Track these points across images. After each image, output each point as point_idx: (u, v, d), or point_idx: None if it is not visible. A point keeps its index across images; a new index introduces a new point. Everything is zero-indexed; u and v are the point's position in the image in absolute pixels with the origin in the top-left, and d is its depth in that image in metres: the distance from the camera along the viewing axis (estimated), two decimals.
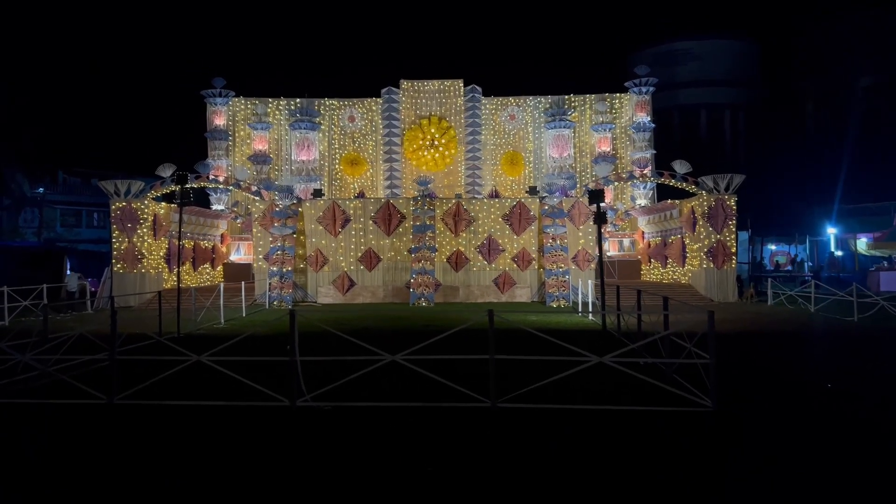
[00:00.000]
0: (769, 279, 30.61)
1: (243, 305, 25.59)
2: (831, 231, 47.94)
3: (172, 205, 33.29)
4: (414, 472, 6.65)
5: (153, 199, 32.80)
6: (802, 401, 9.73)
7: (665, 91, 65.28)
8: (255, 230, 32.60)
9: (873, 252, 43.70)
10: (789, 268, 47.13)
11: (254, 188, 35.79)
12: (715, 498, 5.94)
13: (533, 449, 7.38)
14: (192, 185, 34.93)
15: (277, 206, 31.29)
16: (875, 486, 6.16)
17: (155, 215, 32.09)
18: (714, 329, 8.80)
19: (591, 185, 37.13)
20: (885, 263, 39.55)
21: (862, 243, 45.25)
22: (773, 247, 51.85)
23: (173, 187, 34.07)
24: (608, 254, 39.88)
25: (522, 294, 32.36)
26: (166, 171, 32.72)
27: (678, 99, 70.81)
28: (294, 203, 31.65)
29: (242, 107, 44.52)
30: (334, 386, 9.52)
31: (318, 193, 33.68)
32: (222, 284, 24.08)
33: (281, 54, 69.89)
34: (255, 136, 43.76)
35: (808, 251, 47.46)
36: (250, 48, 68.55)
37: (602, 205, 21.38)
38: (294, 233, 31.05)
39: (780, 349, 15.89)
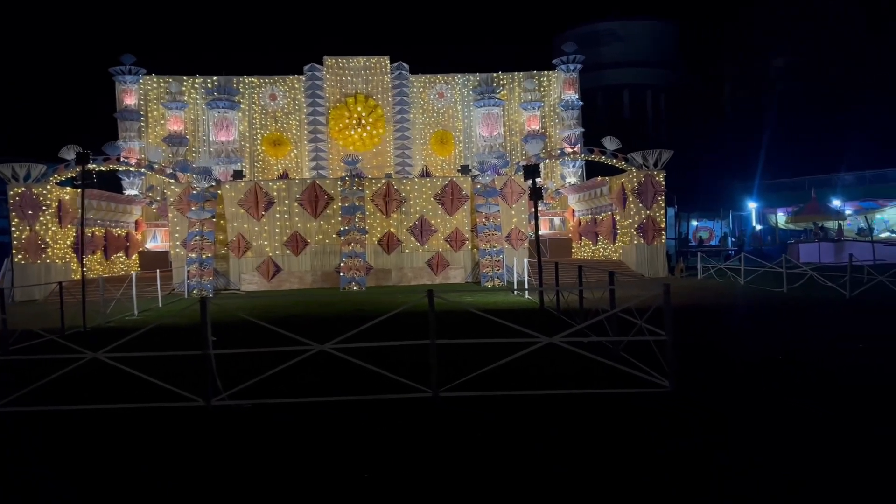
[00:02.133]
0: (698, 253, 30.96)
1: (159, 295, 23.85)
2: (752, 206, 49.32)
3: (79, 190, 31.02)
4: (346, 477, 5.72)
5: (56, 183, 30.32)
6: (758, 375, 9.31)
7: (590, 72, 65.56)
8: (171, 215, 30.58)
9: (791, 226, 45.20)
10: (713, 242, 48.27)
11: (168, 171, 33.62)
12: (696, 491, 5.27)
13: (480, 442, 6.58)
14: (101, 167, 32.56)
15: (195, 189, 29.41)
16: (841, 461, 5.64)
17: (60, 201, 29.64)
18: (671, 304, 8.20)
19: (525, 162, 36.66)
20: (803, 236, 40.93)
21: (781, 217, 46.73)
22: (695, 223, 53.06)
23: (78, 170, 31.65)
24: (540, 232, 39.63)
25: (456, 275, 31.66)
26: (70, 154, 30.22)
27: (603, 80, 71.30)
28: (213, 186, 29.83)
29: (155, 85, 41.86)
30: (256, 381, 8.45)
31: (238, 175, 31.91)
32: (135, 274, 22.30)
33: (195, 29, 66.38)
34: (169, 116, 41.25)
35: (730, 226, 48.71)
36: (162, 22, 64.75)
37: (538, 180, 20.83)
38: (213, 217, 29.29)
39: (722, 322, 15.71)
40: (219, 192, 30.31)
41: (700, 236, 52.39)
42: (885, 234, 39.09)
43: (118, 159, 34.07)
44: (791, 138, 53.65)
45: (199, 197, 28.94)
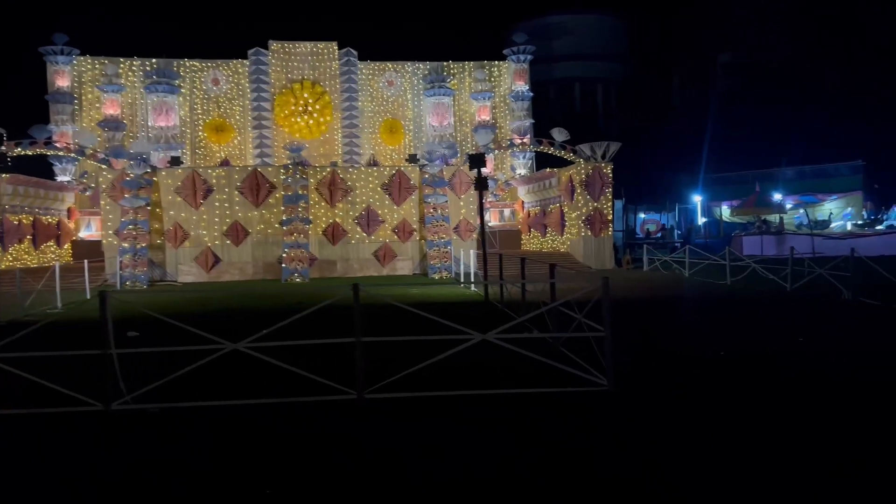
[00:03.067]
0: (644, 246, 31.09)
1: (87, 287, 22.59)
2: (697, 199, 50.00)
3: (4, 175, 29.31)
4: (247, 495, 5.13)
5: None
6: (700, 372, 9.04)
7: (541, 64, 65.54)
8: (103, 203, 29.12)
9: (735, 218, 45.98)
10: (659, 235, 48.78)
11: (101, 156, 32.02)
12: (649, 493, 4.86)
13: (407, 449, 6.05)
14: (27, 151, 30.80)
15: (129, 175, 28.04)
16: (787, 465, 5.32)
17: None
18: (609, 298, 7.80)
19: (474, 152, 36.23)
20: (751, 228, 41.60)
21: (725, 210, 47.50)
22: (643, 215, 53.59)
23: (4, 150, 29.96)
24: (489, 224, 39.39)
25: (404, 266, 31.06)
26: None
27: (554, 72, 71.41)
28: (148, 172, 28.50)
29: (90, 67, 39.94)
30: (164, 382, 7.74)
31: (176, 161, 30.63)
32: (58, 264, 21.02)
33: (135, 9, 63.71)
34: (105, 99, 39.42)
35: (676, 218, 49.32)
36: (98, 1, 61.88)
37: (484, 170, 20.41)
38: (148, 205, 28.01)
39: (665, 316, 15.54)
40: (154, 179, 28.99)
41: (647, 228, 53.00)
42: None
43: (46, 142, 32.27)
44: (736, 133, 54.64)
45: (132, 184, 27.60)
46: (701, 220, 50.83)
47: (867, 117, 52.62)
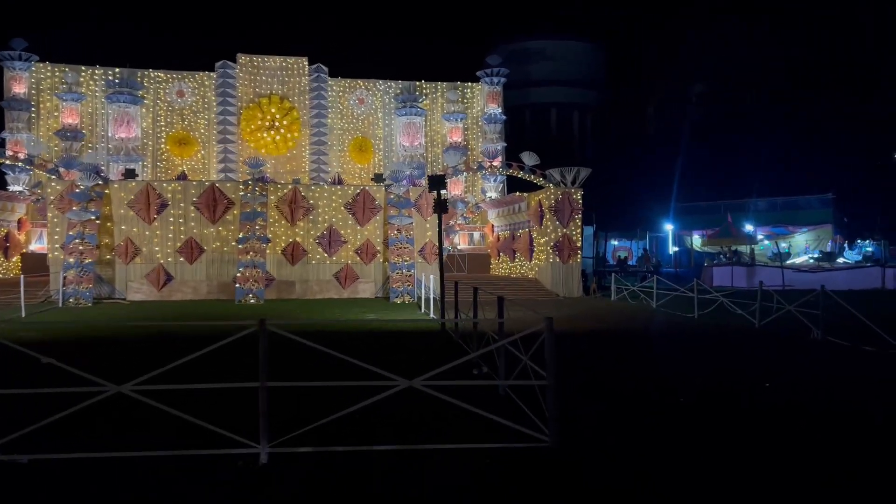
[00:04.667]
0: (612, 274, 30.39)
1: (22, 304, 21.21)
2: (669, 227, 49.73)
3: None
4: None
5: None
6: (656, 422, 8.15)
7: (518, 89, 65.51)
8: (50, 215, 27.73)
9: (706, 248, 45.67)
10: (631, 262, 48.30)
11: (51, 165, 30.65)
12: None
13: None
14: None
15: (78, 187, 26.74)
16: None
17: None
18: (553, 341, 6.90)
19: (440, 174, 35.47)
20: (715, 260, 41.24)
21: (696, 240, 47.21)
22: (615, 242, 53.18)
23: None
24: (458, 247, 38.58)
25: (366, 289, 30.01)
26: None
27: (530, 97, 71.44)
28: (99, 184, 27.22)
29: (49, 74, 38.61)
30: (41, 426, 6.65)
31: (130, 174, 29.35)
32: None
33: (97, 16, 62.35)
34: (63, 107, 38.06)
35: (648, 247, 48.92)
36: (59, 6, 60.33)
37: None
38: (97, 218, 26.69)
39: (626, 353, 14.70)
40: (106, 191, 27.71)
41: (619, 256, 52.55)
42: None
43: None
44: (708, 162, 54.66)
45: (81, 196, 26.30)
46: (672, 249, 50.55)
47: (838, 151, 53.00)
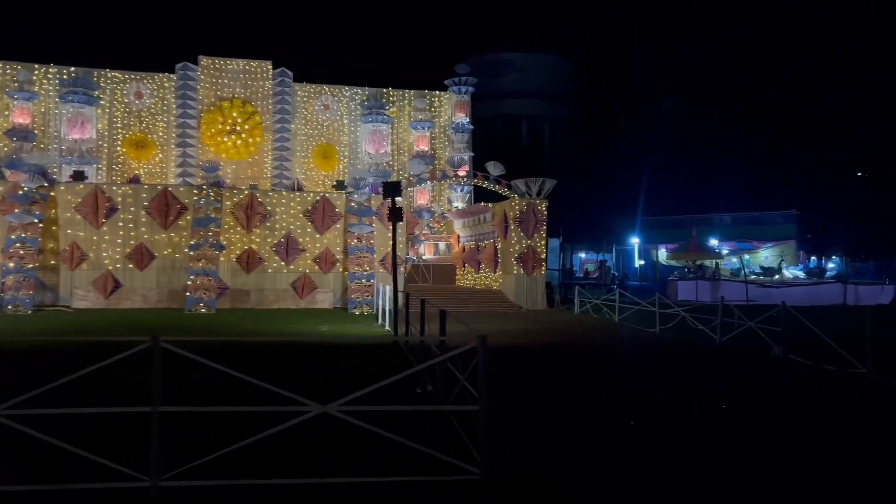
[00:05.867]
0: (576, 287, 29.93)
1: None
2: (635, 241, 49.65)
3: None
4: None
5: None
6: (603, 448, 7.52)
7: (489, 100, 65.27)
8: None
9: (672, 262, 45.62)
10: (596, 275, 48.08)
11: None
12: None
13: None
14: None
15: (22, 188, 25.51)
16: None
17: None
18: (486, 361, 6.23)
19: (404, 183, 34.79)
20: (677, 274, 41.16)
21: (662, 253, 47.17)
22: (583, 255, 52.99)
23: None
24: (423, 257, 37.89)
25: (325, 299, 29.15)
26: None
27: (502, 109, 71.28)
28: (44, 186, 26.02)
29: (0, 71, 37.09)
30: None
31: (78, 176, 28.14)
32: None
33: (52, 12, 60.63)
34: (14, 106, 36.57)
35: (614, 260, 48.76)
36: (12, 2, 58.48)
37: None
38: (40, 221, 25.47)
39: (581, 370, 14.11)
40: (52, 194, 26.50)
41: (587, 268, 52.33)
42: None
43: None
44: (676, 177, 54.84)
45: (24, 198, 25.08)
46: (638, 263, 50.47)
47: (802, 168, 53.58)
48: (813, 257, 43.02)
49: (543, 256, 30.50)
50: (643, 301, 23.04)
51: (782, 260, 43.17)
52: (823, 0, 58.10)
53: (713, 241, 44.45)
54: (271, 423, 6.27)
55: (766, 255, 45.95)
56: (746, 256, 45.57)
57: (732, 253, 44.68)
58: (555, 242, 41.02)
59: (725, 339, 17.35)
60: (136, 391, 6.65)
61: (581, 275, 49.32)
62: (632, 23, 74.36)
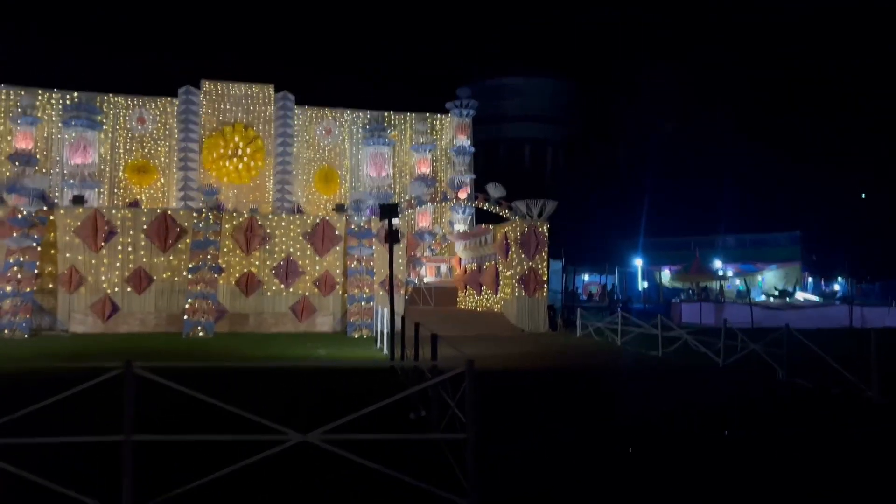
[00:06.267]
0: (578, 309, 29.59)
1: None
2: (638, 263, 49.36)
3: None
4: None
5: None
6: (599, 476, 7.24)
7: (492, 124, 65.53)
8: None
9: (676, 284, 45.29)
10: (599, 298, 47.77)
11: None
12: None
13: None
14: None
15: (21, 212, 25.47)
16: None
17: None
18: (475, 387, 5.99)
19: (405, 205, 34.75)
20: (683, 296, 40.81)
21: (665, 275, 46.85)
22: (586, 277, 52.68)
23: None
24: (425, 280, 37.68)
25: (324, 322, 28.88)
26: None
27: (504, 132, 71.61)
28: (43, 210, 25.98)
29: (3, 97, 37.30)
30: None
31: (78, 200, 28.14)
32: None
33: (56, 38, 61.21)
34: (17, 131, 36.73)
35: (617, 282, 48.45)
36: (16, 27, 59.09)
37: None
38: (38, 245, 25.37)
39: (580, 394, 13.81)
40: (51, 217, 26.45)
41: (591, 290, 51.99)
42: None
43: None
44: (678, 198, 54.71)
45: (22, 222, 25.02)
46: (642, 285, 50.14)
47: (806, 189, 53.40)
48: (811, 278, 42.58)
49: (545, 278, 30.24)
50: (646, 324, 22.73)
51: (797, 282, 42.74)
52: (823, 21, 58.35)
53: (717, 263, 44.12)
54: (253, 451, 6.02)
55: (763, 277, 45.57)
56: (760, 278, 45.21)
57: (736, 275, 44.31)
58: (557, 264, 40.76)
59: (729, 363, 17.04)
60: (115, 418, 6.42)
61: (584, 297, 49.00)
62: (632, 44, 74.87)
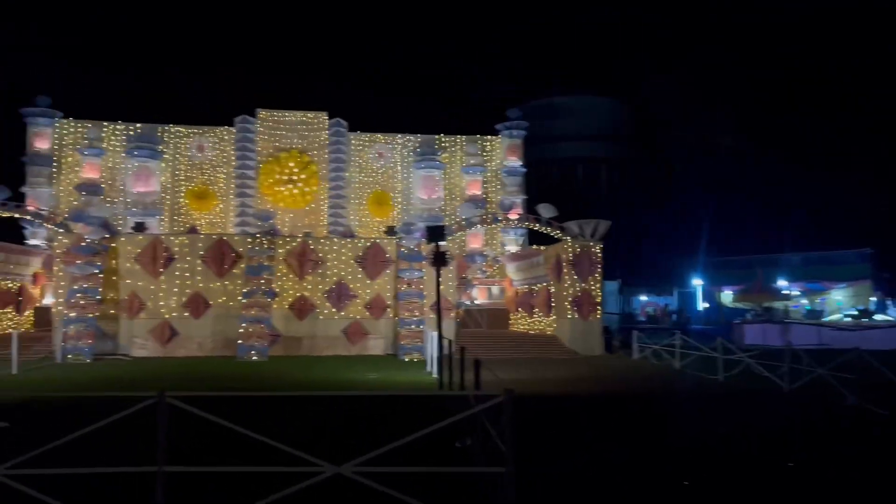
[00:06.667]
0: (633, 331, 28.75)
1: (14, 360, 20.52)
2: (698, 283, 47.93)
3: None
4: None
5: None
6: None
7: (543, 144, 65.19)
8: (56, 269, 27.42)
9: (738, 304, 43.71)
10: (657, 319, 46.51)
11: (60, 219, 30.56)
12: None
13: None
14: None
15: (85, 240, 26.43)
16: None
17: None
18: (513, 418, 5.72)
19: (455, 227, 34.65)
20: (749, 316, 39.30)
21: (727, 295, 45.32)
22: (643, 297, 51.46)
23: None
24: (476, 302, 37.40)
25: (376, 346, 28.89)
26: None
27: (557, 152, 71.14)
28: (105, 238, 26.88)
29: (72, 130, 39.07)
30: None
31: (139, 227, 29.07)
32: None
33: (120, 73, 63.97)
34: (84, 162, 38.35)
35: (676, 302, 47.13)
36: (84, 64, 61.99)
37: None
38: (100, 272, 26.23)
39: (634, 421, 13.26)
40: (113, 245, 27.35)
41: (648, 312, 50.72)
42: None
43: (2, 205, 30.94)
44: (740, 216, 53.07)
45: (86, 250, 25.94)
46: (702, 305, 48.65)
47: (877, 203, 51.02)
48: (889, 300, 40.31)
49: (599, 300, 29.57)
50: (705, 346, 21.86)
51: (879, 301, 40.61)
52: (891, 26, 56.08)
53: (781, 282, 42.42)
54: (288, 482, 5.88)
55: (833, 297, 43.49)
56: (839, 299, 43.21)
57: (802, 294, 42.49)
58: (613, 285, 40.03)
59: (794, 387, 16.16)
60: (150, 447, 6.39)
61: (642, 318, 47.83)
62: (687, 59, 73.56)
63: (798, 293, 43.73)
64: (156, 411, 5.54)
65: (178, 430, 5.97)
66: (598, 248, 29.53)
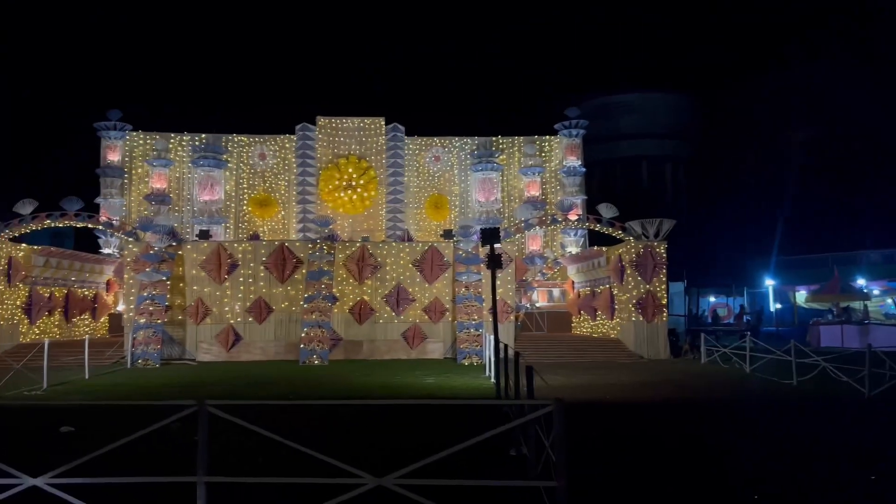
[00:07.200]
0: (702, 334, 27.68)
1: (86, 365, 21.29)
2: (769, 283, 45.97)
3: (35, 247, 29.12)
4: None
5: (9, 239, 28.41)
6: None
7: (606, 143, 63.97)
8: (126, 276, 28.38)
9: (813, 305, 41.65)
10: (729, 321, 44.75)
11: (129, 228, 31.65)
12: None
13: None
14: (56, 223, 30.75)
15: (153, 248, 27.28)
16: None
17: (10, 258, 27.51)
18: (564, 429, 5.39)
19: (513, 229, 34.25)
20: (829, 317, 37.38)
21: (801, 295, 43.28)
22: (712, 298, 49.64)
23: (33, 226, 29.97)
24: (537, 305, 36.87)
25: (435, 349, 28.79)
26: (26, 208, 28.46)
27: (620, 151, 69.66)
28: (172, 245, 27.68)
29: (141, 141, 40.55)
30: None
31: (204, 235, 29.81)
32: (47, 340, 19.78)
33: (186, 86, 66.15)
34: (153, 173, 39.73)
35: (745, 303, 45.30)
36: (152, 78, 64.50)
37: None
38: (167, 279, 26.99)
39: (702, 430, 12.63)
40: (179, 252, 28.13)
41: (716, 312, 48.91)
42: None
43: (76, 215, 32.25)
44: (812, 213, 50.67)
45: (153, 257, 26.75)
46: (774, 306, 46.64)
47: None
48: None
49: (664, 302, 28.63)
50: (778, 349, 20.82)
51: None
52: None
53: (860, 281, 40.20)
54: (331, 493, 5.72)
55: None
56: (889, 301, 40.83)
57: (884, 293, 40.16)
58: (679, 286, 38.70)
59: (875, 393, 15.14)
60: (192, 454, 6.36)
61: (710, 320, 46.14)
62: (755, 50, 70.84)
63: (878, 292, 41.36)
64: (196, 420, 5.47)
65: (221, 438, 5.90)
66: (661, 248, 28.61)
